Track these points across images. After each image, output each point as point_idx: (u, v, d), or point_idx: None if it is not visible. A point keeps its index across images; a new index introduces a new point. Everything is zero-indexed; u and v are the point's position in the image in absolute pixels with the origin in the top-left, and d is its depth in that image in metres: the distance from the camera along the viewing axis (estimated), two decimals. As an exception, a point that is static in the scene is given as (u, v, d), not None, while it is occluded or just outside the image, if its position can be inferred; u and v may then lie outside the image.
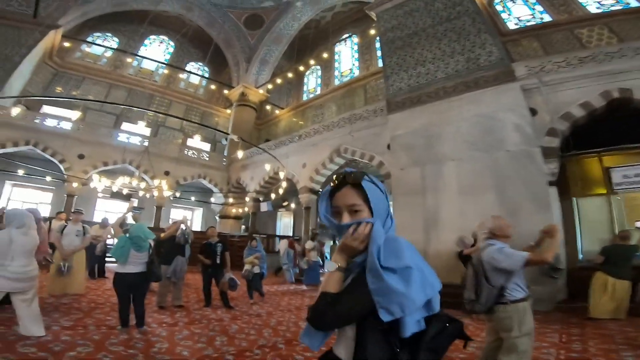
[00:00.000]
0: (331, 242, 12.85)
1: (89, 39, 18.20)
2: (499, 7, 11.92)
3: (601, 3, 10.17)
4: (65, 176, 12.83)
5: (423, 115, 8.75)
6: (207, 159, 17.08)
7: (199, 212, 19.75)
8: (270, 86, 19.64)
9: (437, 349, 0.95)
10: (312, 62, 17.16)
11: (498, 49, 8.41)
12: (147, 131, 17.02)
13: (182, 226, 6.17)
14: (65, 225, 6.19)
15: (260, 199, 15.15)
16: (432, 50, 9.39)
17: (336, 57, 19.47)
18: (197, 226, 18.68)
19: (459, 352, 3.85)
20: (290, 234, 17.23)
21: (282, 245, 11.38)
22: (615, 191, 7.19)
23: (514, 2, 11.93)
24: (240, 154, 10.99)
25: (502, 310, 2.39)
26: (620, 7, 9.67)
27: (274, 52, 19.44)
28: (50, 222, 6.64)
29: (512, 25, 11.28)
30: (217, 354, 3.52)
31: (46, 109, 15.32)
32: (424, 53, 9.52)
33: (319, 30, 19.78)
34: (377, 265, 0.91)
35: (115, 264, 4.31)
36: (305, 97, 20.36)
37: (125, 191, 12.35)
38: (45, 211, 14.17)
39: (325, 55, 15.97)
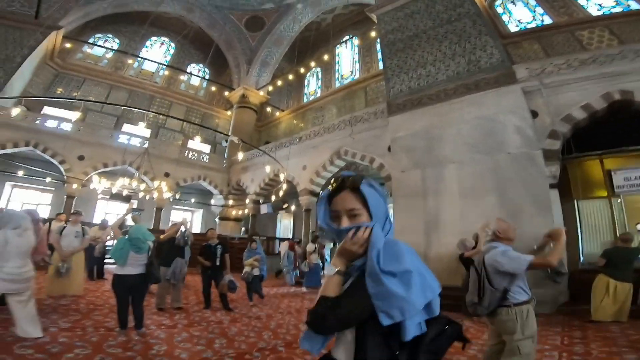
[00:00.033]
0: (331, 245, 12.81)
1: (90, 40, 18.25)
2: (499, 9, 11.94)
3: (602, 5, 10.19)
4: (65, 177, 12.81)
5: (424, 118, 8.73)
6: (207, 160, 17.07)
7: (198, 214, 19.73)
8: (270, 88, 19.64)
9: (437, 351, 0.95)
10: (312, 64, 17.17)
11: (499, 51, 8.40)
12: (147, 132, 17.05)
13: (182, 228, 6.15)
14: (64, 227, 6.17)
15: (260, 201, 15.14)
16: (433, 52, 9.38)
17: (337, 59, 19.50)
18: (197, 228, 18.65)
19: (460, 354, 3.83)
20: (290, 236, 17.21)
21: (282, 248, 11.34)
22: (616, 194, 7.17)
23: (514, 4, 11.95)
24: (240, 155, 10.96)
25: (505, 313, 2.36)
26: (621, 9, 9.68)
27: (275, 54, 19.49)
28: (50, 223, 6.60)
29: (512, 27, 11.29)
30: (216, 357, 3.49)
31: (47, 110, 15.32)
32: (424, 55, 9.51)
33: (320, 33, 19.80)
34: (376, 270, 0.91)
35: (114, 266, 4.27)
36: (305, 99, 20.38)
37: (125, 193, 12.33)
38: (44, 212, 14.17)
39: (325, 57, 15.97)
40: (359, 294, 0.92)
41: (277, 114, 20.95)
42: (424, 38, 9.74)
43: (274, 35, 18.67)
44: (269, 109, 20.76)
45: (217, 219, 17.12)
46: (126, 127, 17.09)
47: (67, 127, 13.56)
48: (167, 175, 15.07)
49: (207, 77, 21.85)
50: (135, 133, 15.61)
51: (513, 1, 12.03)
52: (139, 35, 19.10)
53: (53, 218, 8.56)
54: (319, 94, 19.51)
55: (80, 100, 12.67)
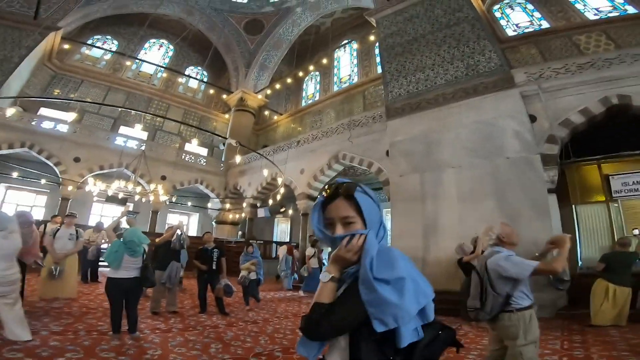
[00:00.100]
0: (329, 249, 12.70)
1: (89, 42, 18.17)
2: (497, 14, 12.03)
3: (599, 10, 10.27)
4: (61, 179, 12.70)
5: (422, 122, 8.73)
6: (204, 164, 16.99)
7: (195, 218, 19.59)
8: (269, 91, 19.66)
9: (431, 356, 0.95)
10: (311, 67, 17.20)
11: (497, 56, 8.44)
12: (144, 135, 16.96)
13: (178, 231, 6.07)
14: (58, 229, 6.08)
15: (258, 204, 15.06)
16: (432, 56, 9.41)
17: (335, 63, 19.55)
18: (193, 231, 18.51)
19: (459, 359, 3.78)
20: (287, 240, 17.11)
21: (281, 252, 11.26)
22: (614, 198, 7.18)
23: (512, 8, 12.04)
24: (238, 158, 10.92)
25: (508, 319, 2.32)
26: (618, 14, 9.76)
27: (274, 58, 19.50)
28: (45, 226, 6.52)
29: (510, 32, 11.37)
30: (212, 362, 3.42)
31: (43, 111, 15.23)
32: (423, 59, 9.53)
33: (319, 36, 19.87)
34: (369, 277, 0.91)
35: (108, 269, 4.20)
36: (304, 103, 20.39)
37: (120, 195, 12.22)
38: (39, 214, 14.01)
39: (324, 61, 16.01)
40: (353, 301, 0.93)
41: (275, 117, 20.94)
42: (423, 42, 9.77)
43: (273, 38, 18.70)
44: (267, 113, 20.75)
45: (213, 223, 17.01)
46: (123, 130, 16.98)
47: (63, 128, 13.46)
48: (163, 178, 14.97)
49: (205, 80, 21.83)
50: (132, 135, 15.51)
51: (511, 5, 12.12)
52: (138, 37, 19.05)
53: (48, 220, 8.46)
54: (317, 98, 19.53)
55: (77, 101, 12.57)
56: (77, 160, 13.21)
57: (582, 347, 4.23)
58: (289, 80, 17.39)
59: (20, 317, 3.47)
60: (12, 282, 3.46)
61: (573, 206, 7.55)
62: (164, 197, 12.88)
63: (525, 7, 11.74)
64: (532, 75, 7.78)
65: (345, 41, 19.05)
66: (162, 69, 19.90)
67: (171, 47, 20.94)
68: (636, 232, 6.86)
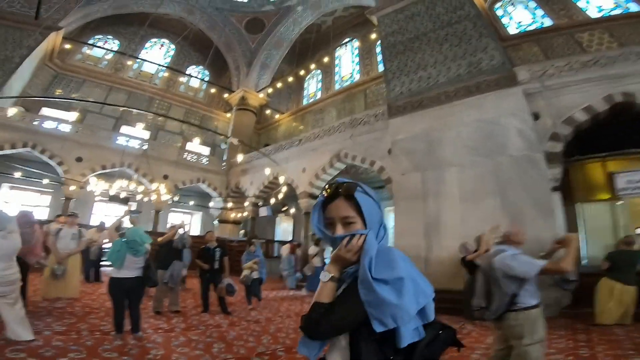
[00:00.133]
0: (331, 248, 12.67)
1: (90, 41, 18.18)
2: (499, 12, 11.95)
3: (601, 7, 10.20)
4: (63, 179, 12.72)
5: (424, 120, 8.68)
6: (206, 163, 16.99)
7: (197, 217, 19.62)
8: (270, 90, 19.62)
9: (431, 356, 0.95)
10: (312, 66, 17.16)
11: (499, 53, 8.38)
12: (146, 134, 16.96)
13: (180, 230, 6.06)
14: (61, 229, 6.08)
15: (260, 203, 15.05)
16: (434, 54, 9.36)
17: (336, 61, 19.49)
18: (195, 231, 18.54)
19: (463, 359, 3.76)
20: (289, 239, 17.11)
21: (283, 251, 11.23)
22: (619, 196, 7.12)
23: (514, 6, 11.95)
24: (239, 157, 10.90)
25: (514, 318, 2.30)
26: (621, 12, 9.68)
27: (275, 57, 19.46)
28: (48, 226, 6.54)
29: (512, 29, 11.30)
30: (214, 362, 3.41)
31: (45, 111, 15.24)
32: (425, 57, 9.48)
33: (320, 35, 19.80)
34: (368, 277, 0.91)
35: (111, 268, 4.19)
36: (305, 102, 20.35)
37: (123, 195, 12.24)
38: (42, 214, 14.06)
39: (325, 59, 15.96)
40: (352, 301, 0.93)
41: (277, 116, 20.90)
42: (425, 40, 9.72)
43: (274, 37, 18.65)
44: (268, 112, 20.71)
45: (216, 222, 17.02)
46: (125, 129, 16.97)
47: (65, 128, 13.49)
48: (165, 177, 14.98)
49: (206, 79, 21.81)
50: (134, 135, 15.52)
51: (513, 3, 12.04)
52: (139, 36, 19.04)
53: (52, 220, 8.48)
54: (318, 97, 19.48)
55: (78, 100, 12.60)
56: (79, 160, 13.23)
57: (587, 346, 4.21)
58: (290, 79, 17.35)
59: (21, 317, 3.47)
60: (12, 282, 3.44)
61: (577, 204, 7.50)
62: (166, 197, 12.91)
63: (527, 5, 11.66)
64: (535, 73, 7.71)
65: (347, 40, 18.99)
66: (164, 68, 19.90)
67: (172, 46, 20.93)
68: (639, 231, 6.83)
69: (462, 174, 7.63)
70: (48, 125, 13.17)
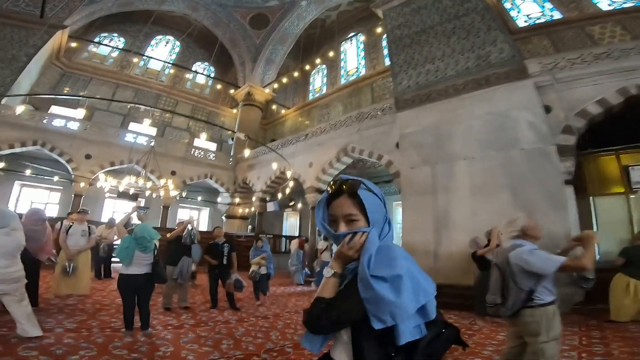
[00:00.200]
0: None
1: (96, 39, 18.28)
2: (507, 5, 11.71)
3: (613, 0, 9.93)
4: (73, 176, 12.85)
5: (433, 113, 8.58)
6: (213, 158, 17.04)
7: (205, 212, 19.74)
8: (276, 86, 19.58)
9: (433, 354, 0.96)
10: (317, 61, 17.03)
11: (509, 46, 8.22)
12: (153, 131, 17.08)
13: (189, 226, 6.07)
14: (71, 225, 6.12)
15: (267, 198, 15.07)
16: (441, 47, 9.23)
17: (342, 56, 19.34)
18: (203, 226, 18.67)
19: (474, 355, 3.72)
20: (297, 234, 17.14)
21: (292, 246, 11.24)
22: (634, 190, 6.96)
23: (522, -1, 11.71)
24: (247, 152, 10.88)
25: (530, 314, 2.24)
26: (633, 4, 9.42)
27: (280, 52, 19.36)
28: (62, 223, 6.59)
29: (521, 22, 11.08)
30: (224, 359, 3.40)
31: (54, 109, 15.41)
32: (432, 50, 9.35)
33: (325, 29, 19.65)
34: (367, 275, 0.92)
35: (120, 265, 4.20)
36: (311, 97, 20.27)
37: (131, 191, 12.33)
38: (53, 211, 14.25)
39: (331, 54, 15.84)
40: (352, 297, 0.94)
41: (283, 111, 20.88)
42: (432, 33, 9.59)
43: (279, 32, 18.53)
44: (274, 107, 20.69)
45: (223, 217, 17.10)
46: (132, 126, 17.12)
47: (74, 126, 13.60)
48: (173, 173, 15.06)
49: (212, 75, 21.82)
50: (141, 132, 15.64)
51: (521, -5, 11.78)
52: (144, 34, 19.09)
53: (64, 217, 8.57)
54: (324, 91, 19.39)
55: (86, 97, 12.66)
56: (88, 157, 13.34)
57: (601, 343, 4.14)
58: (295, 74, 17.29)
59: (27, 313, 3.48)
60: (15, 280, 3.44)
61: (591, 198, 7.35)
62: (174, 192, 12.97)
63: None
64: (546, 66, 7.54)
65: (352, 34, 18.82)
66: (170, 65, 19.95)
67: (177, 43, 20.95)
68: None
69: (473, 167, 7.52)
70: (57, 123, 13.28)
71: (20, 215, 4.58)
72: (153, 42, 20.35)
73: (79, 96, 14.57)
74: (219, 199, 17.24)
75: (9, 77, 11.67)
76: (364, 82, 16.98)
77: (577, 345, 4.07)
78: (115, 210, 15.88)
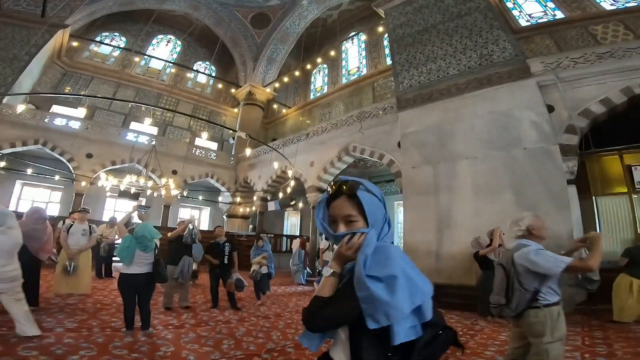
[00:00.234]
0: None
1: (97, 39, 18.28)
2: (509, 4, 11.67)
3: (616, 0, 9.88)
4: (74, 175, 12.86)
5: (435, 113, 8.54)
6: (214, 158, 17.02)
7: (206, 212, 19.73)
8: (277, 85, 19.56)
9: (430, 356, 0.96)
10: (319, 60, 17.00)
11: (512, 45, 8.19)
12: (154, 130, 17.07)
13: (190, 226, 6.05)
14: (72, 224, 6.11)
15: (268, 198, 15.05)
16: (443, 46, 9.20)
17: (343, 55, 19.30)
18: (204, 225, 18.67)
19: (476, 356, 3.70)
20: (298, 233, 17.12)
21: (294, 245, 11.21)
22: (637, 190, 6.93)
23: (525, -2, 11.66)
24: (248, 152, 10.85)
25: (534, 315, 2.21)
26: (636, 4, 9.38)
27: (281, 51, 19.33)
28: (64, 222, 6.59)
29: (523, 22, 11.05)
30: (224, 359, 3.38)
31: (55, 108, 15.42)
32: (434, 49, 9.32)
33: (326, 29, 19.62)
34: (362, 274, 0.92)
35: (121, 264, 4.18)
36: (312, 96, 20.23)
37: (133, 190, 12.32)
38: (54, 210, 14.26)
39: (332, 53, 15.80)
40: (348, 296, 0.94)
41: (284, 110, 20.87)
42: (434, 32, 9.56)
43: (280, 32, 18.50)
44: (275, 106, 20.68)
45: (224, 217, 17.10)
46: (134, 125, 17.10)
47: (75, 125, 13.60)
48: (174, 172, 15.05)
49: (213, 74, 21.81)
50: (142, 131, 15.62)
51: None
52: (145, 33, 19.09)
53: (65, 217, 8.55)
54: (325, 91, 19.35)
55: (87, 96, 12.66)
56: (89, 156, 13.34)
57: (604, 344, 4.13)
58: (296, 73, 17.25)
59: (25, 312, 3.46)
60: (12, 279, 3.42)
61: (594, 198, 7.31)
62: (175, 192, 12.96)
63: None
64: (549, 65, 7.50)
65: (353, 33, 18.76)
66: (171, 64, 19.94)
67: (178, 42, 20.93)
68: None
69: (475, 167, 7.49)
70: (58, 122, 13.28)
71: (21, 215, 4.58)
72: (154, 41, 20.34)
73: (81, 95, 14.58)
74: (220, 198, 17.23)
75: (11, 76, 11.67)
76: (366, 81, 16.94)
77: (580, 345, 4.05)
78: (116, 209, 15.89)
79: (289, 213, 19.26)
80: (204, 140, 17.93)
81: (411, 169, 8.53)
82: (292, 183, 11.81)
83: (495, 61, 8.17)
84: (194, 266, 7.07)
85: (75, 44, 15.61)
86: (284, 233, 17.84)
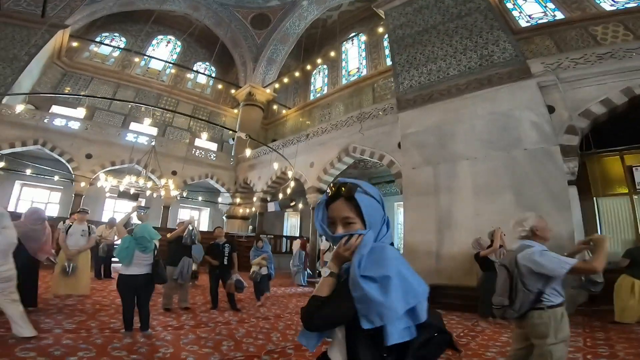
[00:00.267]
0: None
1: (97, 39, 18.27)
2: (509, 5, 11.67)
3: (615, 0, 9.88)
4: (73, 176, 12.83)
5: (435, 113, 8.54)
6: (214, 158, 17.00)
7: (206, 212, 19.70)
8: (277, 86, 19.55)
9: (424, 357, 0.96)
10: (319, 61, 17.00)
11: (512, 46, 8.20)
12: (154, 131, 17.04)
13: (189, 227, 6.03)
14: (71, 225, 6.08)
15: (268, 199, 15.03)
16: (443, 47, 9.20)
17: (343, 56, 19.29)
18: (204, 226, 18.64)
19: (477, 357, 3.68)
20: (297, 234, 17.09)
21: (294, 246, 11.18)
22: (638, 190, 6.92)
23: None
24: (247, 152, 10.84)
25: (538, 316, 2.19)
26: (635, 4, 9.38)
27: (281, 52, 19.33)
28: (64, 223, 6.56)
29: (523, 23, 11.05)
30: (224, 360, 3.36)
31: (55, 108, 15.40)
32: (434, 50, 9.33)
33: (326, 30, 19.63)
34: (356, 274, 0.93)
35: (120, 265, 4.15)
36: (312, 97, 20.21)
37: (132, 191, 12.30)
38: (53, 211, 14.23)
39: (332, 54, 15.80)
40: (343, 296, 0.96)
41: (284, 111, 20.84)
42: (434, 33, 9.57)
43: (280, 32, 18.50)
44: (275, 107, 20.65)
45: (224, 217, 17.07)
46: (133, 126, 17.09)
47: (74, 125, 13.59)
48: (174, 173, 15.03)
49: (213, 75, 21.79)
50: (142, 131, 15.61)
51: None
52: (145, 33, 19.08)
53: (65, 217, 8.51)
54: (325, 91, 19.33)
55: (87, 97, 12.64)
56: (88, 156, 13.32)
57: (606, 345, 4.11)
58: (296, 74, 17.23)
59: (20, 313, 3.43)
60: (7, 279, 3.39)
61: (595, 199, 7.31)
62: (174, 192, 12.93)
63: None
64: (549, 66, 7.51)
65: (353, 34, 18.77)
66: (171, 65, 19.93)
67: (178, 43, 20.92)
68: None
69: (475, 168, 7.49)
70: (58, 122, 13.27)
71: (19, 215, 4.55)
72: (154, 41, 20.33)
73: (80, 95, 14.57)
74: (219, 199, 17.21)
75: (10, 77, 11.66)
76: (366, 82, 16.93)
77: (581, 346, 4.04)
78: (115, 210, 15.86)
79: (288, 214, 19.24)
80: (203, 141, 17.91)
81: (411, 170, 8.52)
82: (292, 184, 11.79)
83: (496, 62, 8.17)
84: (194, 267, 7.04)
85: (75, 44, 15.59)
86: (284, 234, 17.82)
